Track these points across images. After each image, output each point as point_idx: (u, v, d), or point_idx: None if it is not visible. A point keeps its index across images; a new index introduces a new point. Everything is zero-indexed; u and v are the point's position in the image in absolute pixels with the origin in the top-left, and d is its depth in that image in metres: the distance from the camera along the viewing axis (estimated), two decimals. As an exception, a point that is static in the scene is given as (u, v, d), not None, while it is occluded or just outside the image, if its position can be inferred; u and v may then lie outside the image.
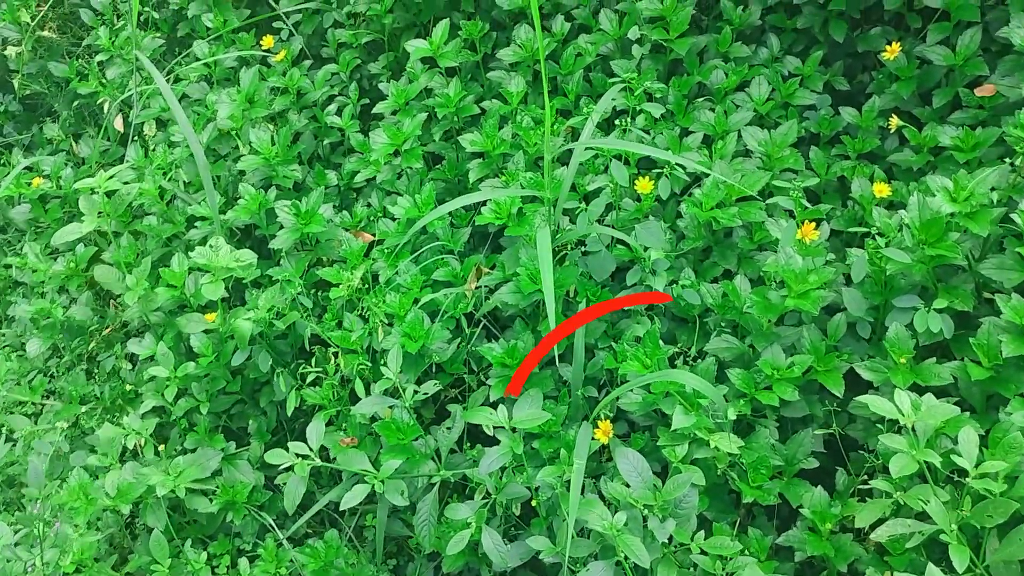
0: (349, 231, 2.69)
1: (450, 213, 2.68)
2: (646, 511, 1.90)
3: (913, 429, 1.82)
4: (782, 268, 2.09)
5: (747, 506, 2.27)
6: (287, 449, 2.08)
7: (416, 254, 2.51)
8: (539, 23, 2.12)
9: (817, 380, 2.20)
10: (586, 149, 2.31)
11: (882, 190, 2.39)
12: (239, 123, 2.81)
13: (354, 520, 2.69)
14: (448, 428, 2.27)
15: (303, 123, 2.92)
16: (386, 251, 2.53)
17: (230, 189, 2.84)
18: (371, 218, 2.72)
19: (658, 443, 2.07)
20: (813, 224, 2.22)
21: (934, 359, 2.11)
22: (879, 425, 2.13)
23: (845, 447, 2.37)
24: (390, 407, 2.22)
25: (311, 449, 2.09)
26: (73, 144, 3.30)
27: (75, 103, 3.38)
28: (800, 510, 2.05)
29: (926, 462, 1.78)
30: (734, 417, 1.91)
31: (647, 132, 2.68)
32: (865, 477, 2.17)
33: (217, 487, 2.50)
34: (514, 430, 2.05)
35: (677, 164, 2.28)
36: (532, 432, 2.20)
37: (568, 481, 1.92)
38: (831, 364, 2.14)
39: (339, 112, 2.92)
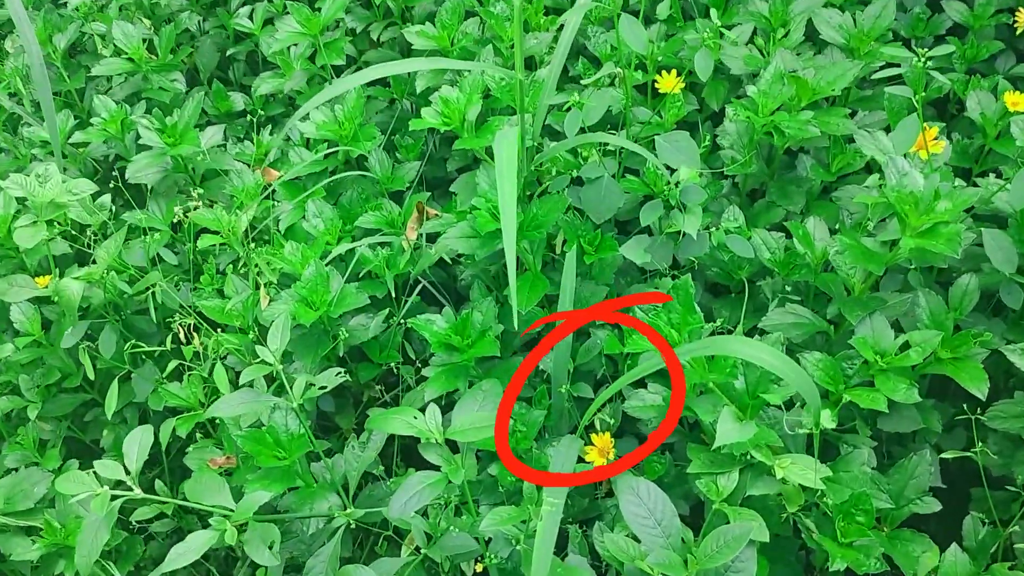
0: (252, 167, 1.91)
1: (392, 140, 1.91)
2: (669, 585, 1.11)
3: None
4: (895, 191, 1.30)
5: (824, 571, 1.46)
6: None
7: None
8: None
9: (937, 375, 1.42)
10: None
11: (1018, 102, 1.60)
12: (108, 21, 2.04)
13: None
14: (362, 443, 1.48)
15: (198, 26, 2.15)
16: (293, 185, 1.76)
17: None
18: (284, 152, 1.94)
19: (687, 470, 1.27)
20: (935, 131, 1.43)
21: None
22: (1042, 447, 1.35)
23: (970, 478, 1.58)
24: (273, 408, 1.43)
25: (128, 472, 1.30)
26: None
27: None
28: (924, 585, 1.24)
29: None
30: (831, 425, 1.10)
31: (670, 35, 1.90)
32: (1016, 528, 1.36)
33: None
34: (454, 447, 1.26)
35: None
36: (488, 450, 1.40)
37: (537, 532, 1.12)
38: (965, 348, 1.35)
39: (251, 16, 2.15)
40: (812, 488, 1.26)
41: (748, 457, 1.24)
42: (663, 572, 1.09)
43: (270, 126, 2.00)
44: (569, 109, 1.50)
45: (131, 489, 1.29)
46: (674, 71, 1.55)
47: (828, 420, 1.08)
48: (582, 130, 1.51)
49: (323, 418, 1.77)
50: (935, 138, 1.42)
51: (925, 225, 1.29)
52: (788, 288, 1.50)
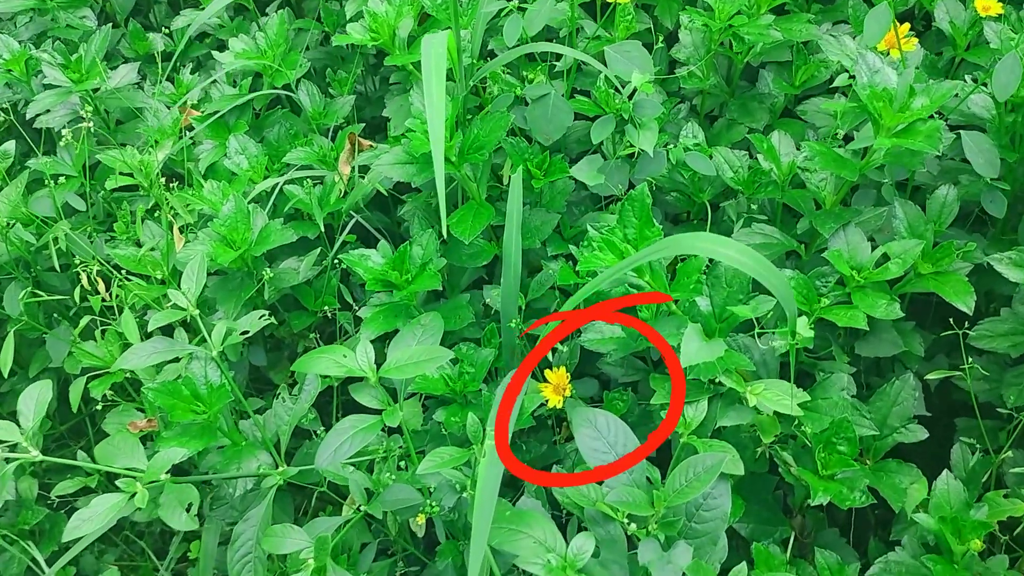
0: (172, 108, 1.75)
1: (325, 76, 1.76)
2: (633, 527, 0.99)
3: None
4: (867, 88, 1.18)
5: (803, 511, 1.35)
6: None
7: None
8: None
9: (914, 302, 1.31)
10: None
11: (989, 6, 1.49)
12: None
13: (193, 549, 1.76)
14: (294, 396, 1.34)
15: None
16: (215, 123, 1.60)
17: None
18: (208, 93, 1.78)
19: (649, 404, 1.15)
20: (906, 28, 1.32)
21: None
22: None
23: (953, 410, 1.48)
24: (190, 359, 1.29)
25: (22, 430, 1.15)
26: None
27: None
28: (913, 516, 1.13)
29: None
30: (809, 335, 0.99)
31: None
32: (1010, 454, 1.26)
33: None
34: (391, 391, 1.13)
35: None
36: (434, 394, 1.27)
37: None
38: (947, 260, 1.24)
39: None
40: (788, 418, 1.15)
41: (717, 385, 1.13)
42: (628, 510, 0.97)
43: (190, 65, 1.83)
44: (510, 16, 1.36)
45: (27, 451, 1.14)
46: (624, -22, 1.42)
47: (805, 329, 0.96)
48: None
49: (256, 375, 1.63)
50: (906, 36, 1.31)
51: (901, 125, 1.17)
52: (754, 207, 1.38)
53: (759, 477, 1.25)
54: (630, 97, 1.32)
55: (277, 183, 1.45)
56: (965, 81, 1.38)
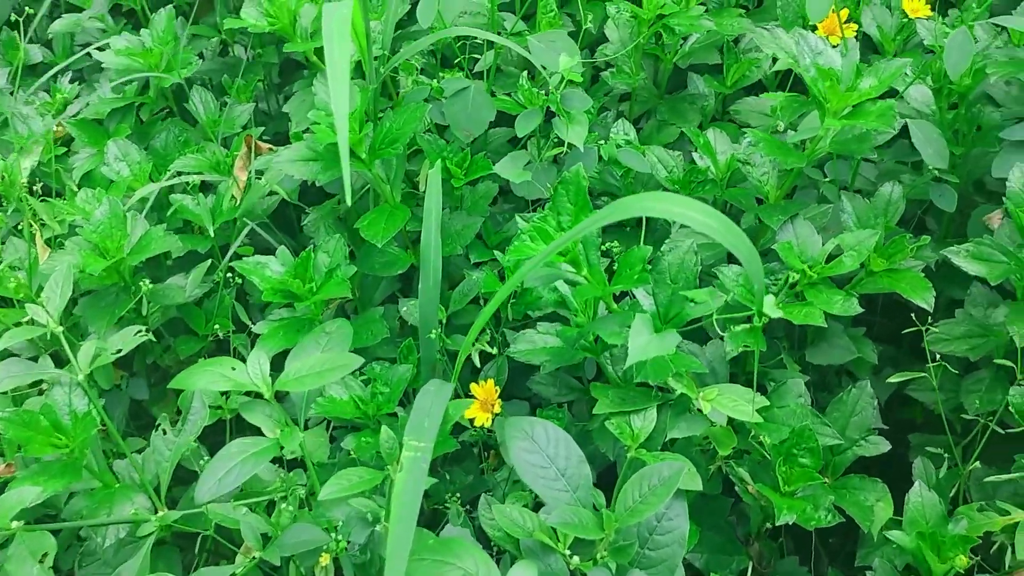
0: (47, 116, 1.56)
1: (224, 90, 1.60)
2: (576, 560, 0.83)
3: None
4: (811, 70, 1.09)
5: (759, 538, 1.22)
6: None
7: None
8: None
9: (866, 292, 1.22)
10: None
11: (918, 8, 1.44)
12: None
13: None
14: (177, 429, 1.14)
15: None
16: (94, 129, 1.42)
17: None
18: (89, 104, 1.60)
19: (592, 417, 1.00)
20: (847, 12, 1.25)
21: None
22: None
23: (902, 427, 1.38)
24: (52, 384, 1.09)
25: None
26: None
27: None
28: (888, 533, 1.01)
29: None
30: (777, 315, 0.86)
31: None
32: (977, 464, 1.16)
33: None
34: (292, 419, 0.96)
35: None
36: (343, 420, 1.11)
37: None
38: (900, 255, 1.14)
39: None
40: (743, 431, 1.03)
41: (665, 393, 1.00)
42: (571, 535, 0.82)
43: (70, 74, 1.66)
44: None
45: None
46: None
47: (773, 309, 0.84)
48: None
49: (139, 413, 1.42)
50: (846, 21, 1.24)
51: (848, 107, 1.09)
52: (693, 208, 1.27)
53: (712, 500, 1.11)
54: (557, 87, 1.21)
55: (158, 187, 1.28)
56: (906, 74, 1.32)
